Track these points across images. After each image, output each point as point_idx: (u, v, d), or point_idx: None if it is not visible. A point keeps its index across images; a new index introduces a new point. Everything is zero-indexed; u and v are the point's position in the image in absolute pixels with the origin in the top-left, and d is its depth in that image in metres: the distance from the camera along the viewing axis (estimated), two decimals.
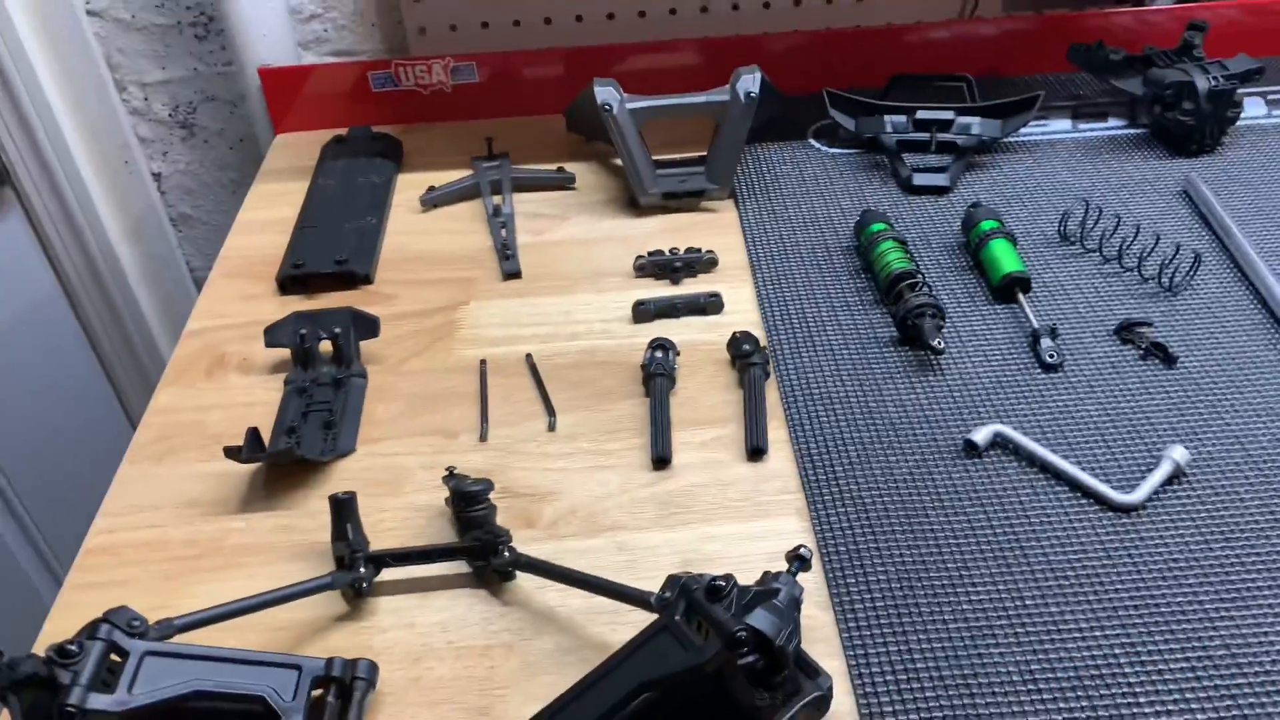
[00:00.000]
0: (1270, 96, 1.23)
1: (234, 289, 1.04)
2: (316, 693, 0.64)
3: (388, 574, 0.74)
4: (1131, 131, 1.19)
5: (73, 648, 0.60)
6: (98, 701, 0.58)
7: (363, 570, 0.71)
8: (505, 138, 1.24)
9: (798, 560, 0.65)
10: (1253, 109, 1.21)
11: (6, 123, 1.32)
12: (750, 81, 1.05)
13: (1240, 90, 1.12)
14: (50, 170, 1.39)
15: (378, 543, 0.76)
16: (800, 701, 0.61)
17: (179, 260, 1.56)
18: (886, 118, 1.13)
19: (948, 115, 1.10)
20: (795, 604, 0.63)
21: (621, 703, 0.59)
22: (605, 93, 1.05)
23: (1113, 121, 1.21)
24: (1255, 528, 0.73)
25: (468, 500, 0.74)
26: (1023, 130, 1.19)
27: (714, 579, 0.61)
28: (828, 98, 1.16)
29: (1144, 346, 0.88)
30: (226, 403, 0.91)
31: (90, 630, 0.62)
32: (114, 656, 0.61)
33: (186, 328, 0.99)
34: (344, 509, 0.74)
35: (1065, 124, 1.21)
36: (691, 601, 0.61)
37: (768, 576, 0.64)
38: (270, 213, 1.15)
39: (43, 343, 1.46)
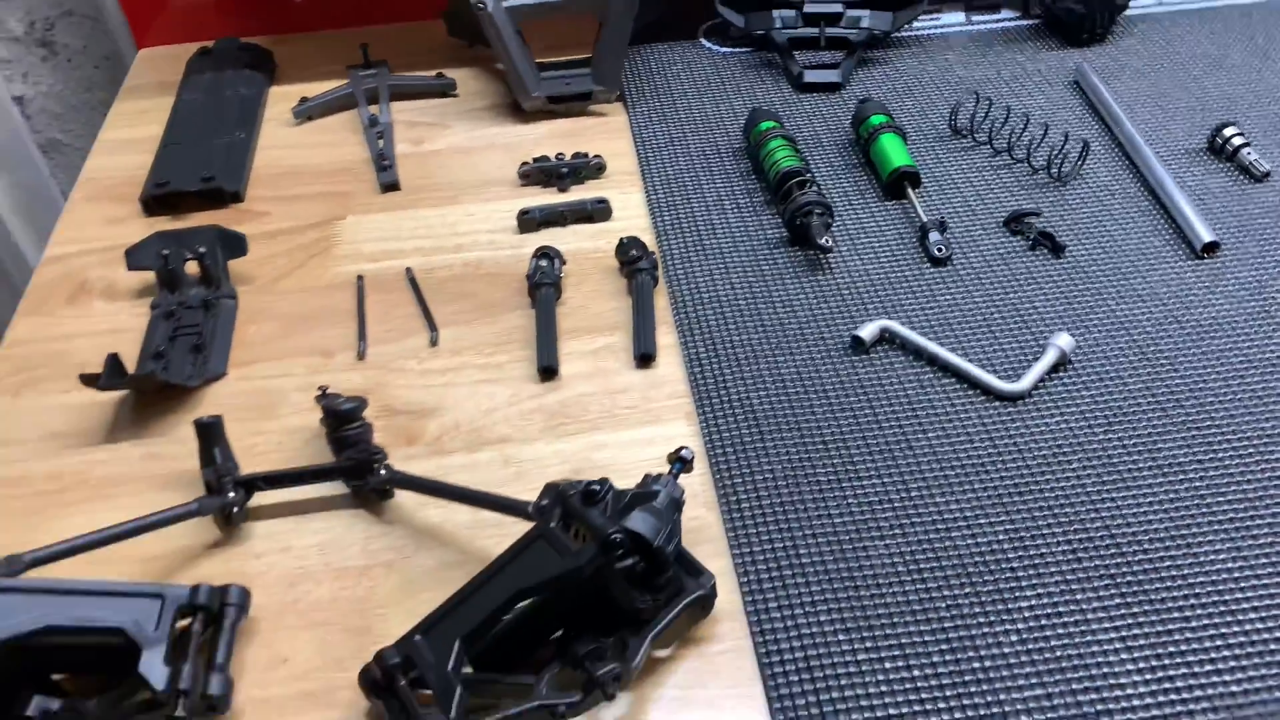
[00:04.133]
0: None
1: (96, 212, 0.98)
2: (184, 623, 0.61)
3: (263, 498, 0.71)
4: (1025, 23, 1.17)
5: None
6: None
7: (232, 495, 0.68)
8: (383, 46, 1.18)
9: (679, 462, 0.64)
10: None
11: None
12: None
13: None
14: None
15: (252, 468, 0.72)
16: (682, 601, 0.61)
17: (52, 188, 1.47)
18: (775, 12, 1.10)
19: (836, 8, 1.07)
20: (675, 505, 0.62)
21: (499, 610, 0.57)
22: None
23: (1006, 13, 1.19)
24: (1137, 410, 0.74)
25: (341, 419, 0.71)
26: (916, 24, 1.17)
27: (589, 484, 0.59)
28: None
29: (1032, 237, 0.87)
30: (90, 330, 0.86)
31: None
32: None
33: (45, 254, 0.94)
34: (210, 432, 0.70)
35: (959, 16, 1.19)
36: (568, 508, 0.60)
37: (648, 479, 0.62)
38: (133, 131, 1.08)
39: None
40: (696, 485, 0.71)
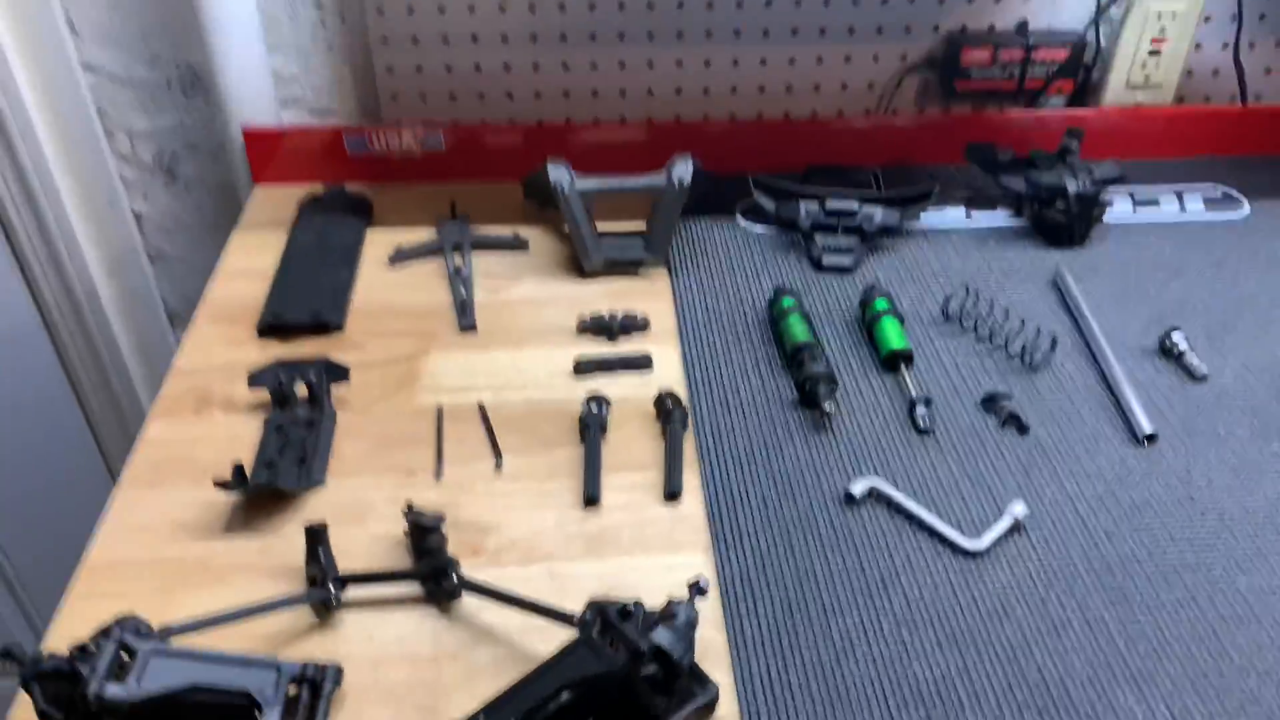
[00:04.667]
0: (1138, 197, 1.41)
1: (217, 333, 1.17)
2: (292, 691, 0.77)
3: (354, 592, 0.87)
4: (1016, 223, 1.36)
5: (90, 646, 0.73)
6: (113, 691, 0.71)
7: (331, 589, 0.85)
8: (466, 201, 1.38)
9: (695, 589, 0.79)
10: (1121, 206, 1.39)
11: None
12: (684, 169, 1.20)
13: (1108, 191, 1.30)
14: (35, 203, 1.51)
15: (345, 565, 0.89)
16: (691, 705, 0.76)
17: (155, 295, 1.67)
18: (801, 204, 1.29)
19: (853, 206, 1.26)
20: (691, 625, 0.77)
21: (545, 701, 0.73)
22: (558, 173, 1.20)
23: (1001, 212, 1.38)
24: (1075, 573, 0.89)
25: (423, 532, 0.87)
26: (923, 217, 1.35)
27: (625, 604, 0.75)
28: (752, 182, 1.32)
29: (1003, 417, 1.04)
30: (211, 436, 1.03)
31: (104, 632, 0.74)
32: (124, 655, 0.74)
33: (174, 366, 1.12)
34: (317, 536, 0.87)
35: (960, 213, 1.37)
36: (606, 621, 0.75)
37: (671, 603, 0.78)
38: (249, 261, 1.27)
39: (19, 368, 1.57)
40: (708, 609, 0.86)
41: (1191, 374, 1.10)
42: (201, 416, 1.06)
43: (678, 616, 0.76)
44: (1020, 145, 1.38)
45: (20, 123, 1.44)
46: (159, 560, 0.91)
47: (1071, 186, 1.26)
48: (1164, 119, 1.50)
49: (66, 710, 0.71)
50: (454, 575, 0.85)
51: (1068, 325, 1.18)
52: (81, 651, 0.72)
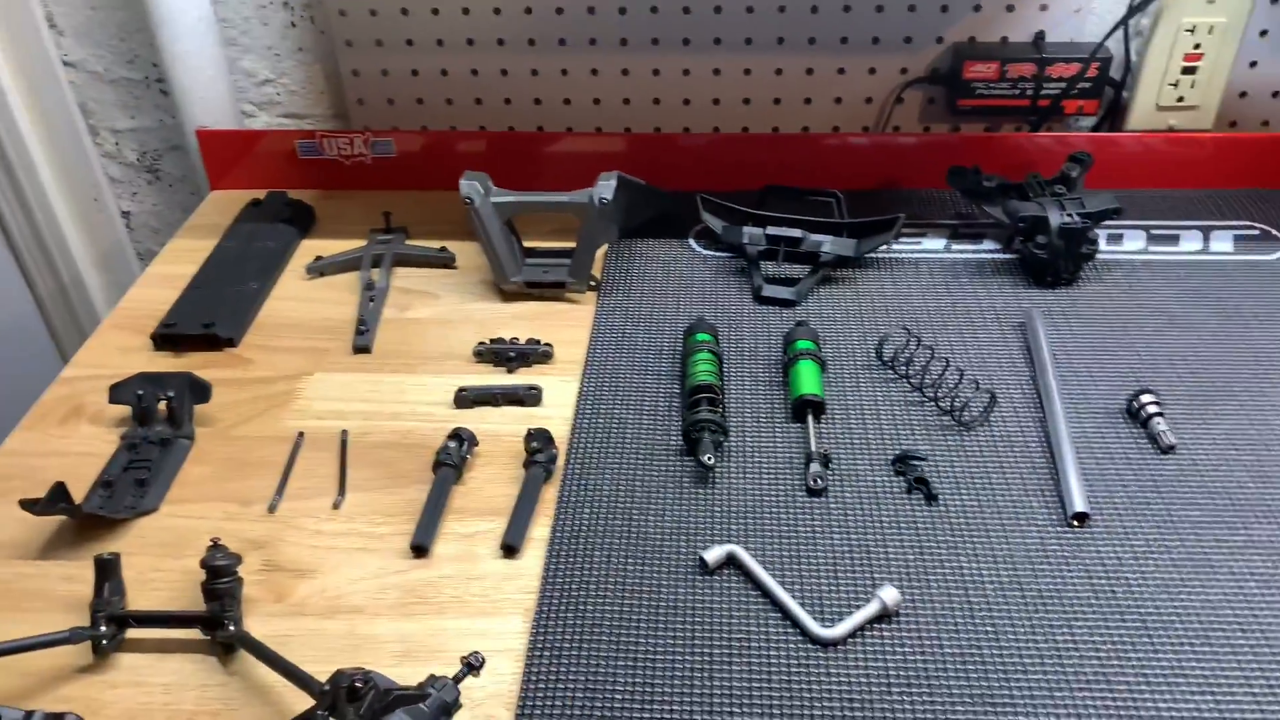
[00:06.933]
0: (1154, 231, 1.24)
1: (117, 340, 1.13)
2: None
3: (143, 633, 0.81)
4: (1002, 257, 1.21)
5: None
6: None
7: (103, 629, 0.78)
8: (415, 211, 1.31)
9: (465, 666, 0.70)
10: (1133, 242, 1.22)
11: None
12: (605, 187, 1.11)
13: (1105, 225, 1.14)
14: (24, 199, 1.51)
15: (145, 602, 0.83)
16: None
17: None
18: (744, 228, 1.17)
19: (796, 234, 1.14)
20: (444, 709, 0.68)
21: None
22: (469, 186, 1.11)
23: (987, 245, 1.23)
24: (942, 673, 0.75)
25: (213, 573, 0.80)
26: (896, 246, 1.22)
27: (353, 679, 0.66)
28: (700, 202, 1.21)
29: (910, 480, 0.90)
30: (69, 451, 0.99)
31: None
32: None
33: (60, 374, 1.08)
34: (106, 568, 0.81)
35: (940, 243, 1.23)
36: (335, 699, 0.67)
37: (430, 679, 0.69)
38: (176, 268, 1.23)
39: (19, 354, 1.58)
40: (506, 684, 0.76)
41: (1157, 443, 0.93)
42: (66, 428, 1.02)
43: (428, 698, 0.67)
44: (1041, 169, 1.22)
45: (4, 119, 1.45)
46: None
47: (1054, 218, 1.11)
48: (1199, 145, 1.31)
49: None
50: (231, 625, 0.78)
51: (1026, 376, 1.03)
52: None
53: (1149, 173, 1.32)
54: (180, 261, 1.25)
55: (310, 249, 1.27)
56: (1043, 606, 0.80)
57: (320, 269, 1.22)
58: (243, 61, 1.46)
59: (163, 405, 1.00)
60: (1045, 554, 0.84)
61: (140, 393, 0.99)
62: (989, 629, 0.79)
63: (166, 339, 1.11)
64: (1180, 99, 1.31)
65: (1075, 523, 0.86)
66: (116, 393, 1.00)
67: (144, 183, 1.60)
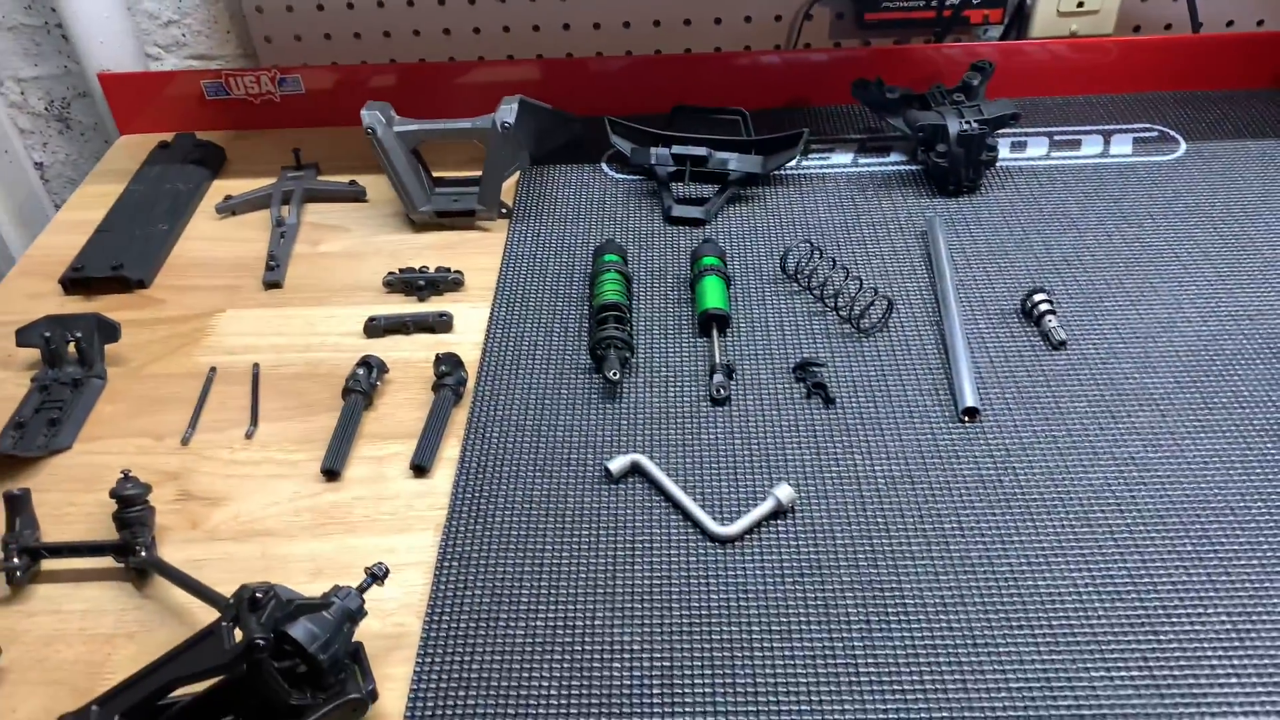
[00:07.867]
0: (1056, 137, 1.26)
1: (26, 287, 1.13)
2: None
3: (59, 564, 0.82)
4: (908, 169, 1.23)
5: None
6: None
7: (16, 560, 0.79)
8: (326, 147, 1.31)
9: (370, 576, 0.72)
10: (1036, 148, 1.24)
11: None
12: (507, 111, 1.11)
13: (1008, 133, 1.16)
14: None
15: (60, 535, 0.84)
16: (334, 703, 0.69)
17: None
18: (652, 149, 1.18)
19: (701, 152, 1.15)
20: (348, 616, 0.70)
21: (156, 693, 0.66)
22: (371, 116, 1.11)
23: (895, 157, 1.25)
24: (834, 565, 0.78)
25: (123, 502, 0.81)
26: (805, 162, 1.23)
27: (255, 590, 0.68)
28: (609, 125, 1.21)
29: (809, 386, 0.93)
30: None
31: None
32: None
33: None
34: (15, 504, 0.82)
35: (848, 157, 1.25)
36: (238, 610, 0.68)
37: (334, 589, 0.71)
38: (85, 214, 1.23)
39: None
40: (417, 594, 0.79)
41: (1048, 339, 0.96)
42: None
43: (331, 606, 0.69)
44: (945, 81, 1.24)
45: None
46: None
47: (953, 126, 1.13)
48: (1101, 50, 1.33)
49: None
50: (143, 551, 0.79)
51: (927, 283, 1.05)
52: None
53: (1054, 80, 1.34)
54: (89, 207, 1.24)
55: (221, 189, 1.27)
56: (932, 498, 0.83)
57: (231, 208, 1.21)
58: (144, 3, 1.43)
59: (72, 347, 1.00)
60: (937, 449, 0.87)
61: (47, 334, 0.99)
62: (879, 521, 0.82)
63: (76, 283, 1.10)
64: (1080, 4, 1.33)
65: (965, 418, 0.90)
66: (22, 336, 1.00)
67: (55, 132, 1.58)
